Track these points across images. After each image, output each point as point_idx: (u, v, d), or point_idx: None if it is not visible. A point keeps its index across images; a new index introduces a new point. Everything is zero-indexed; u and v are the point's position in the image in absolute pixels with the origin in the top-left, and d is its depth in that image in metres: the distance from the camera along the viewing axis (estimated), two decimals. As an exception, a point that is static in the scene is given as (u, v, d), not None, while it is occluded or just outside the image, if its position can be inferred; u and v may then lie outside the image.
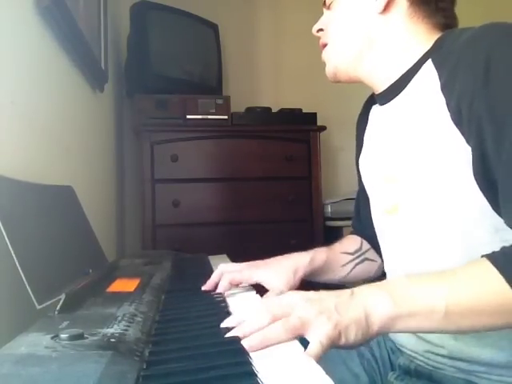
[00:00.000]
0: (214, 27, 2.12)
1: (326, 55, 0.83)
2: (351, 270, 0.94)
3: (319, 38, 0.85)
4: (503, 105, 0.59)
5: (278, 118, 2.03)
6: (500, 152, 0.59)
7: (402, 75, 0.75)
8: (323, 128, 2.00)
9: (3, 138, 0.75)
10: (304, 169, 1.98)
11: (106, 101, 1.80)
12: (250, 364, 0.46)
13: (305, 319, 0.52)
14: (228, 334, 0.52)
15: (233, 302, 0.71)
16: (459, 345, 0.70)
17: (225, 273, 0.82)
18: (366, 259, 0.95)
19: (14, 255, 0.55)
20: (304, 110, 2.03)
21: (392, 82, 0.77)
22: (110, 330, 0.50)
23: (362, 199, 0.98)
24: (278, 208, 1.93)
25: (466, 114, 0.62)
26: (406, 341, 0.80)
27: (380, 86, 0.80)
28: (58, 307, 0.57)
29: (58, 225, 0.78)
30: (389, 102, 0.79)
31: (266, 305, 0.57)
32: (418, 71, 0.72)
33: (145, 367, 0.45)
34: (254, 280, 0.84)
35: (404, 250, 0.78)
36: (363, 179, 0.92)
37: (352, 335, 0.53)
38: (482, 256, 0.56)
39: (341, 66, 0.81)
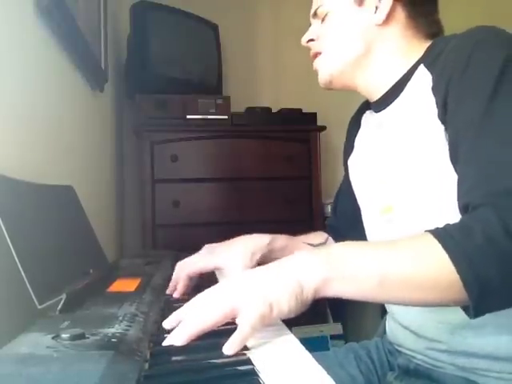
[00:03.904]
0: (213, 27, 2.12)
1: (320, 63, 0.85)
2: None
3: (309, 48, 0.86)
4: (473, 93, 0.62)
5: (277, 118, 2.03)
6: (464, 139, 0.61)
7: (396, 82, 0.78)
8: (323, 128, 2.00)
9: (3, 137, 0.75)
10: (304, 169, 1.97)
11: (106, 101, 1.80)
12: (251, 363, 0.46)
13: (233, 304, 0.52)
14: (164, 342, 0.51)
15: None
16: (457, 338, 0.70)
17: (183, 270, 0.81)
18: None
19: (15, 255, 0.55)
20: (304, 110, 2.03)
21: (387, 89, 0.80)
22: (111, 330, 0.50)
23: (341, 197, 1.00)
24: (278, 208, 1.93)
25: (448, 104, 0.65)
26: (404, 340, 0.81)
27: (375, 94, 0.83)
28: (59, 307, 0.57)
29: (58, 225, 0.78)
30: (384, 108, 0.81)
31: (192, 304, 0.56)
32: (411, 77, 0.75)
33: (146, 367, 0.45)
34: (210, 268, 0.85)
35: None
36: (353, 180, 0.93)
37: (285, 305, 0.52)
38: (425, 231, 0.56)
39: (336, 73, 0.83)
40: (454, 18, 0.86)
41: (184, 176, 1.88)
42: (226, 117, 1.91)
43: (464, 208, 0.59)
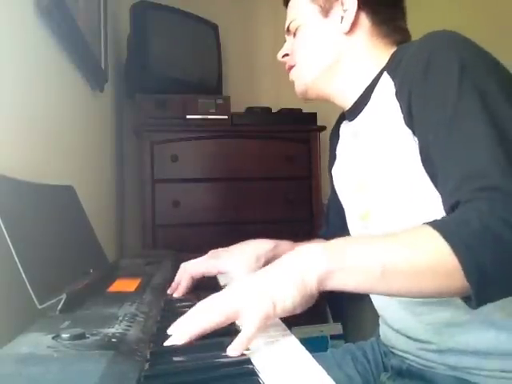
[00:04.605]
0: (213, 27, 2.12)
1: (295, 74, 0.90)
2: None
3: (285, 63, 0.91)
4: (437, 95, 0.63)
5: (277, 118, 2.03)
6: (435, 141, 0.62)
7: (364, 91, 0.81)
8: (323, 128, 2.00)
9: (3, 137, 0.75)
10: (304, 169, 1.97)
11: (106, 101, 1.80)
12: (251, 363, 0.46)
13: (236, 305, 0.52)
14: (166, 342, 0.51)
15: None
16: (445, 337, 0.71)
17: (186, 270, 0.82)
18: None
19: (15, 255, 0.55)
20: (304, 110, 2.03)
21: (356, 97, 0.82)
22: (112, 330, 0.50)
23: (331, 206, 1.02)
24: (278, 208, 1.93)
25: (413, 111, 0.66)
26: (396, 341, 0.82)
27: (347, 103, 0.85)
28: (59, 307, 0.57)
29: (59, 225, 0.78)
30: (356, 117, 0.84)
31: (196, 308, 0.56)
32: (376, 85, 0.78)
33: (146, 367, 0.45)
34: (214, 272, 0.86)
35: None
36: (337, 189, 0.96)
37: (289, 301, 0.52)
38: (423, 223, 0.56)
39: (310, 82, 0.87)
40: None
41: (184, 176, 1.87)
42: (225, 117, 1.91)
43: (453, 207, 0.58)
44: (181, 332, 0.51)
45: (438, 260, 0.53)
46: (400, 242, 0.56)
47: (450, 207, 0.59)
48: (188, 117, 1.87)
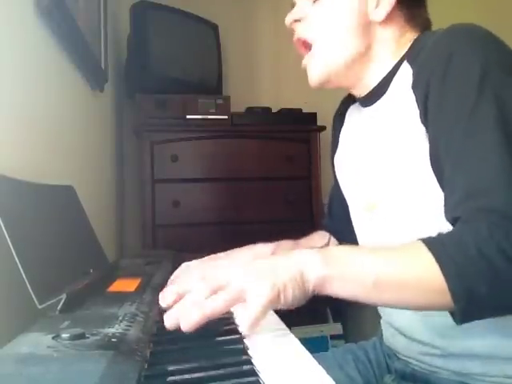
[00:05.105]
0: (213, 27, 2.12)
1: (312, 64, 0.77)
2: None
3: (293, 30, 0.78)
4: (454, 99, 0.61)
5: (277, 118, 2.03)
6: (447, 145, 0.61)
7: (384, 78, 0.76)
8: (323, 128, 2.00)
9: (3, 137, 0.75)
10: (304, 169, 1.97)
11: (106, 101, 1.80)
12: (251, 363, 0.46)
13: (243, 287, 0.53)
14: (167, 316, 0.53)
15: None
16: (447, 340, 0.71)
17: (187, 269, 0.83)
18: None
19: (15, 255, 0.55)
20: (304, 110, 2.03)
21: (374, 85, 0.78)
22: (111, 330, 0.50)
23: (334, 196, 1.00)
24: (278, 208, 1.93)
25: (429, 113, 0.65)
26: (398, 344, 0.81)
27: (363, 90, 0.80)
28: (59, 307, 0.57)
29: (59, 225, 0.78)
30: (373, 104, 0.79)
31: (202, 277, 0.57)
32: (396, 73, 0.74)
33: (146, 367, 0.45)
34: None
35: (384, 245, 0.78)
36: (339, 177, 0.93)
37: (290, 294, 0.54)
38: (418, 239, 0.57)
39: (334, 72, 0.76)
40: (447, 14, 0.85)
41: (184, 176, 1.87)
42: (225, 117, 1.91)
43: (454, 220, 0.59)
44: (188, 320, 0.51)
45: (428, 279, 0.54)
46: (393, 257, 0.57)
47: (451, 220, 0.59)
48: (188, 117, 1.87)
